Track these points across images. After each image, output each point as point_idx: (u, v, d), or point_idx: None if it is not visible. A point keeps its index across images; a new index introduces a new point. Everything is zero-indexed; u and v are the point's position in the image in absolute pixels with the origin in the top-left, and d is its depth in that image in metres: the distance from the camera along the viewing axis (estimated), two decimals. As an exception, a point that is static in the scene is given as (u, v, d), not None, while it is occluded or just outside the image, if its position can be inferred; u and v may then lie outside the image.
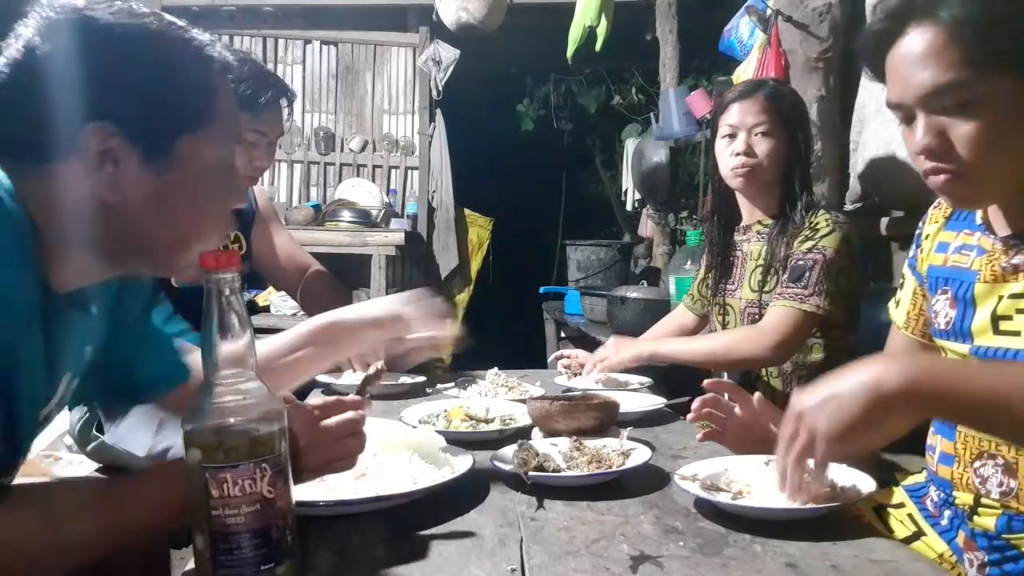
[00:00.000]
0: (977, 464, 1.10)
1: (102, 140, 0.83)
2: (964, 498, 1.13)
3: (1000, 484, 1.08)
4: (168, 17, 0.90)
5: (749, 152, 1.87)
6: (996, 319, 1.06)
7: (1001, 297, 1.06)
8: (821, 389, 0.92)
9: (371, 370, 1.08)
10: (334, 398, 1.03)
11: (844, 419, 0.88)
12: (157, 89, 0.86)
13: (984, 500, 1.10)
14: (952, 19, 0.97)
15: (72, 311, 0.93)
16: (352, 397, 1.03)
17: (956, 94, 0.97)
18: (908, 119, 1.04)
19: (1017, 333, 1.04)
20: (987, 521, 1.10)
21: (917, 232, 1.28)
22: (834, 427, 0.88)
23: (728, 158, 1.90)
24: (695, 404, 1.24)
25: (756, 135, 1.87)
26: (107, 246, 0.89)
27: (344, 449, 0.98)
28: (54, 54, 0.82)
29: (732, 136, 1.90)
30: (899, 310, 1.31)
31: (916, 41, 0.99)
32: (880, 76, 1.06)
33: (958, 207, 1.16)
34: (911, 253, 1.29)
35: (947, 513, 1.18)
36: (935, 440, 1.19)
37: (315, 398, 1.85)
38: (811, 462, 0.93)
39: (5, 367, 0.78)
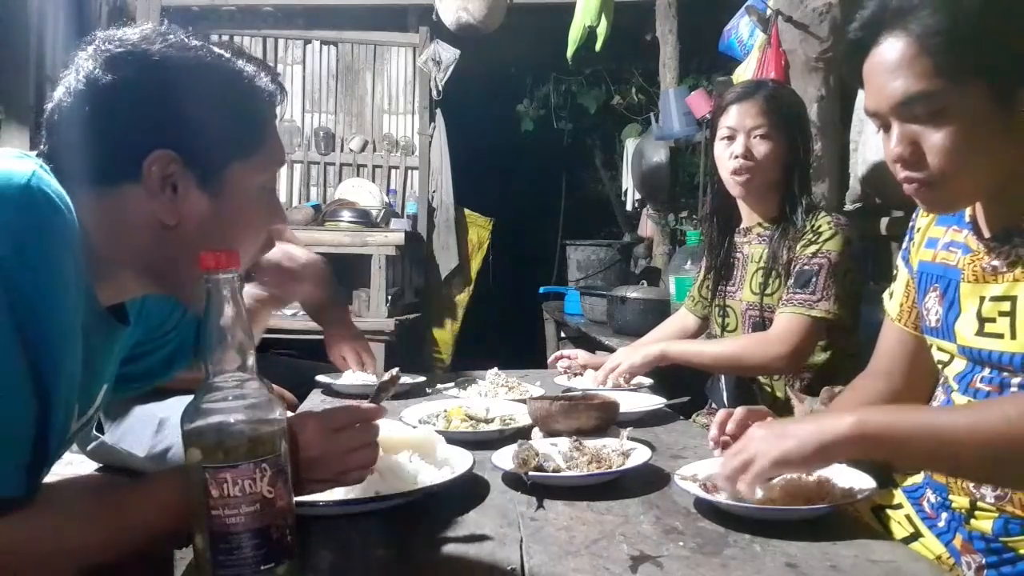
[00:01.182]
0: None
1: (163, 167, 0.87)
2: (960, 501, 1.13)
3: (995, 488, 1.08)
4: (217, 49, 0.94)
5: (747, 155, 1.85)
6: (982, 321, 1.07)
7: (983, 298, 1.07)
8: (780, 425, 1.05)
9: (386, 376, 1.08)
10: (346, 403, 1.02)
11: (786, 454, 0.97)
12: (211, 118, 0.90)
13: (980, 504, 1.10)
14: (922, 30, 0.97)
15: (113, 323, 0.96)
16: (368, 404, 1.02)
17: (927, 103, 0.98)
18: (884, 127, 1.05)
19: (1000, 335, 1.04)
20: (984, 524, 1.10)
21: (911, 224, 1.28)
22: (775, 457, 0.97)
23: (727, 160, 1.89)
24: (715, 434, 1.22)
25: (755, 137, 1.86)
26: (156, 266, 0.93)
27: (355, 461, 0.97)
28: (114, 86, 0.86)
29: (731, 138, 1.88)
30: (892, 301, 1.31)
31: (888, 51, 1.00)
32: (861, 84, 1.07)
33: (933, 212, 1.17)
34: (904, 245, 1.30)
35: (944, 515, 1.18)
36: None
37: (314, 397, 1.85)
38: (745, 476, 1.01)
39: (47, 376, 0.79)
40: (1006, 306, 1.04)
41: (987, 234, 1.09)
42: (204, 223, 0.91)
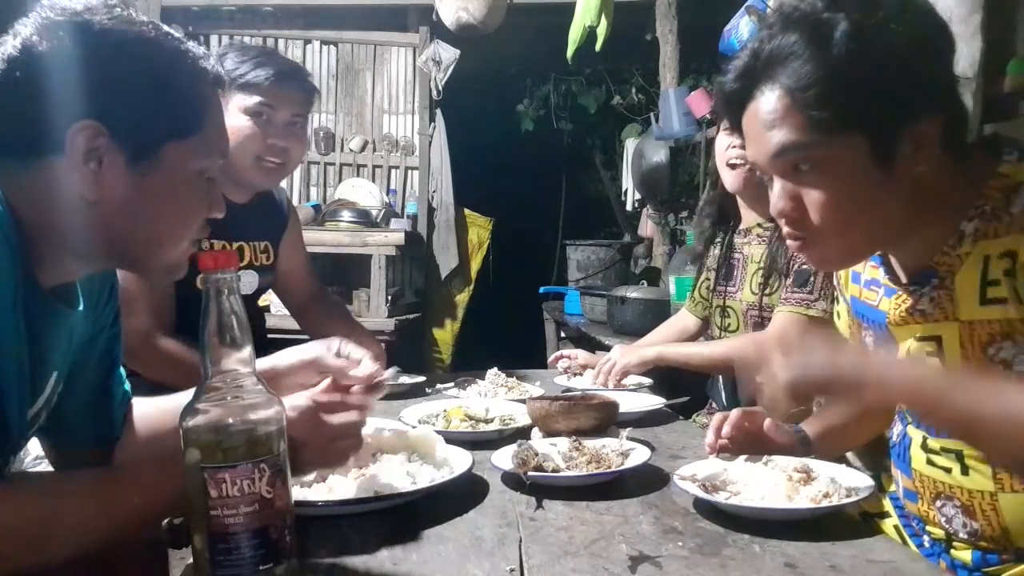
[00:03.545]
0: (939, 503, 1.09)
1: (89, 138, 0.85)
2: (937, 533, 1.12)
3: (964, 525, 1.06)
4: (165, 28, 0.92)
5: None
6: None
7: (911, 339, 1.06)
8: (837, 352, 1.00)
9: (385, 374, 1.09)
10: (339, 396, 1.02)
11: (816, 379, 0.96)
12: (147, 94, 0.88)
13: (955, 538, 1.09)
14: (793, 82, 0.94)
15: (59, 306, 0.94)
16: (357, 396, 1.02)
17: (803, 157, 0.95)
18: (768, 179, 1.02)
19: None
20: (963, 554, 1.09)
21: None
22: (806, 376, 0.96)
23: (725, 151, 1.87)
24: (711, 439, 1.22)
25: None
26: (87, 243, 0.91)
27: (341, 449, 0.98)
28: (50, 53, 0.84)
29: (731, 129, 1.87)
30: (841, 323, 1.31)
31: (763, 104, 0.97)
32: (741, 133, 1.05)
33: (823, 270, 1.15)
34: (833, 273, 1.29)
35: (926, 538, 1.16)
36: (896, 474, 1.18)
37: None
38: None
39: None
40: (931, 347, 1.03)
41: (903, 278, 1.06)
42: (130, 200, 0.89)
